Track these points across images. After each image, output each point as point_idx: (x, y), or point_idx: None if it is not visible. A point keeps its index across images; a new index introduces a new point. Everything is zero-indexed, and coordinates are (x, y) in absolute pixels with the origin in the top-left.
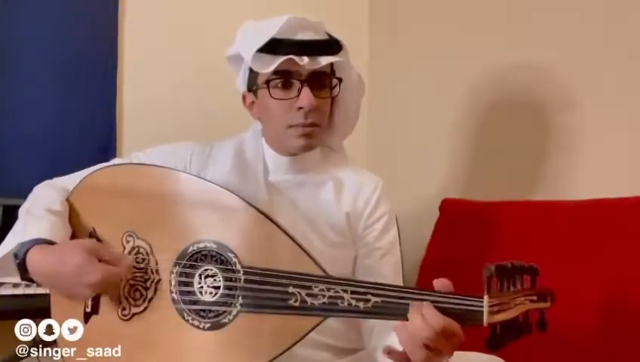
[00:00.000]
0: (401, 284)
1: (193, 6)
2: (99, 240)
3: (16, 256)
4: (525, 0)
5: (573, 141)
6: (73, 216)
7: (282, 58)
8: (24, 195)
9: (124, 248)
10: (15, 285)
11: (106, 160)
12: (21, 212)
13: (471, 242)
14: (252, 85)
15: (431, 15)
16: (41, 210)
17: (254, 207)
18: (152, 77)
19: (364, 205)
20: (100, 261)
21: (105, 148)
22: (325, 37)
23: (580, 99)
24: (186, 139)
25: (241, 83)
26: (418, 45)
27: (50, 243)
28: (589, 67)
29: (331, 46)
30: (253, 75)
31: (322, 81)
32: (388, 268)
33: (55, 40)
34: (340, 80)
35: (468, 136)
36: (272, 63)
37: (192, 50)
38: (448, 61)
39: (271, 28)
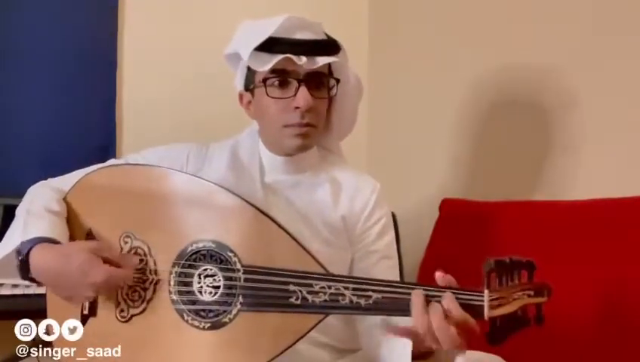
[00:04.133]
0: None
1: (193, 6)
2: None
3: (19, 253)
4: (526, 1)
5: (573, 141)
6: (70, 217)
7: (280, 57)
8: (24, 195)
9: (122, 249)
10: (15, 285)
11: (106, 160)
12: (19, 211)
13: (471, 242)
14: (249, 84)
15: (431, 15)
16: (40, 209)
17: (253, 206)
18: (152, 77)
19: (362, 208)
20: (104, 262)
21: (105, 148)
22: (324, 37)
23: (579, 99)
24: (186, 139)
25: (238, 82)
26: (418, 45)
27: (53, 241)
28: (590, 67)
29: (329, 47)
30: (250, 73)
31: (319, 81)
32: (384, 271)
33: (55, 40)
34: (338, 81)
35: (468, 136)
36: (269, 62)
37: (191, 51)
38: (448, 61)
39: (269, 27)
